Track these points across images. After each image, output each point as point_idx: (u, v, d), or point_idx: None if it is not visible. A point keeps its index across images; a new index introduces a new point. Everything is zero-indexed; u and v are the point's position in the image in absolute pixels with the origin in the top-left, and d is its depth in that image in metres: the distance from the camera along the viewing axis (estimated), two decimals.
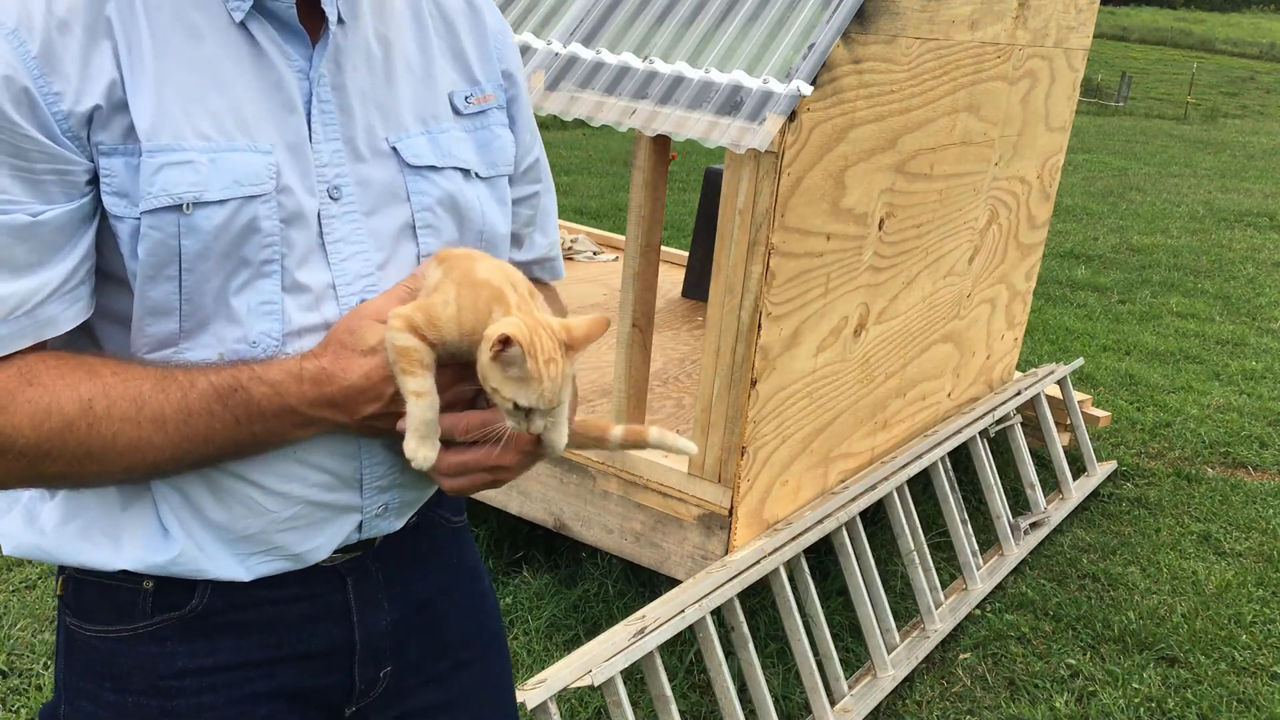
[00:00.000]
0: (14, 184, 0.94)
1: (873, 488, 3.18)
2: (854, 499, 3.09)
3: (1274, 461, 4.75)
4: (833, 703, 2.82)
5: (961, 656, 3.19)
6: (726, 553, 2.80)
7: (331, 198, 1.05)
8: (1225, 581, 3.69)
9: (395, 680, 1.25)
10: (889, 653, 3.01)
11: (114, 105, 0.96)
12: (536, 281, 1.30)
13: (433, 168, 1.11)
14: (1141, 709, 3.01)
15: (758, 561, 2.69)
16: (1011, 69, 3.48)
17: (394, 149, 1.09)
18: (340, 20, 1.07)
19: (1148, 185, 11.66)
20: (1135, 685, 3.10)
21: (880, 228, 3.03)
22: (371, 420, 1.05)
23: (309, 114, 1.04)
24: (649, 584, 3.18)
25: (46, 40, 0.93)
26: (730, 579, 2.59)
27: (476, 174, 1.15)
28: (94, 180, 0.97)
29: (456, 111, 1.16)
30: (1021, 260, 4.13)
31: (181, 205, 0.96)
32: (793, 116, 2.51)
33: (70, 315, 0.99)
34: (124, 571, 1.09)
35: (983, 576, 3.48)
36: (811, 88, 2.52)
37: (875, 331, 3.20)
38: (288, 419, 1.02)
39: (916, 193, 3.17)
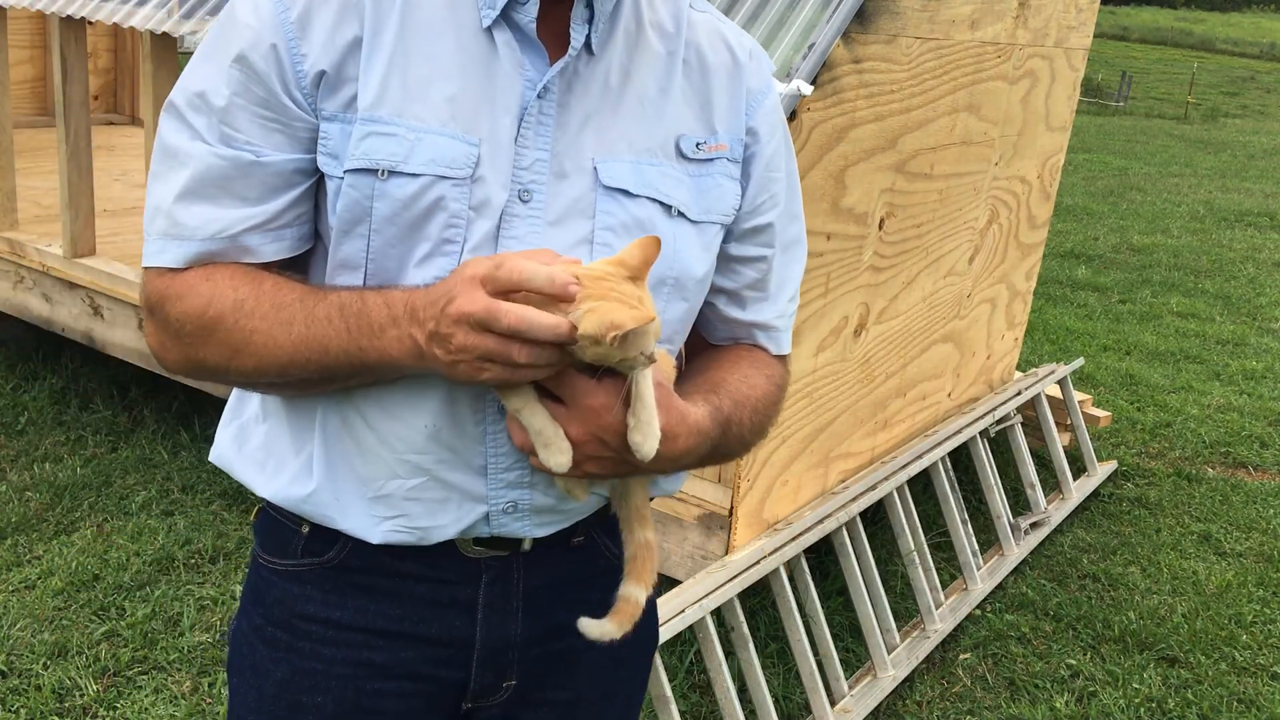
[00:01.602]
0: (252, 127, 1.09)
1: (873, 488, 3.18)
2: (854, 499, 3.09)
3: (1274, 461, 4.75)
4: (833, 703, 2.82)
5: (962, 656, 3.19)
6: (726, 553, 2.80)
7: (521, 200, 1.10)
8: (1225, 581, 3.69)
9: (518, 695, 1.26)
10: (889, 653, 3.01)
11: (341, 77, 1.08)
12: (757, 347, 1.30)
13: (626, 192, 1.13)
14: (1142, 709, 3.01)
15: (758, 561, 2.69)
16: (1012, 69, 3.48)
17: (595, 168, 1.13)
18: (590, 48, 1.13)
19: (1148, 185, 11.66)
20: (1135, 685, 3.10)
21: (880, 227, 3.03)
22: (440, 338, 1.01)
23: (521, 119, 1.10)
24: None
25: (306, 9, 1.08)
26: (730, 579, 2.59)
27: (682, 214, 1.16)
28: (316, 141, 1.10)
29: (682, 155, 1.18)
30: (1022, 260, 4.13)
31: (378, 170, 1.07)
32: (793, 116, 2.51)
33: (271, 250, 1.12)
34: (284, 511, 1.21)
35: (983, 576, 3.48)
36: (811, 87, 2.52)
37: (875, 331, 3.20)
38: (390, 331, 1.04)
39: (917, 192, 3.17)
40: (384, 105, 1.08)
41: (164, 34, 3.44)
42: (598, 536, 1.27)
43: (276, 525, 1.23)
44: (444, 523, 1.15)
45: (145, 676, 2.80)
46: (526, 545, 1.21)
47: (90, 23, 3.67)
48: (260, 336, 1.08)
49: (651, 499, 1.31)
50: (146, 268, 1.13)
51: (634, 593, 1.18)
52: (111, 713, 2.67)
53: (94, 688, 2.73)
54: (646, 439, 1.05)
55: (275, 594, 1.23)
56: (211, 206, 1.09)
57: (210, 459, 1.27)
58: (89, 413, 4.15)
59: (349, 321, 1.06)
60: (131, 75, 6.58)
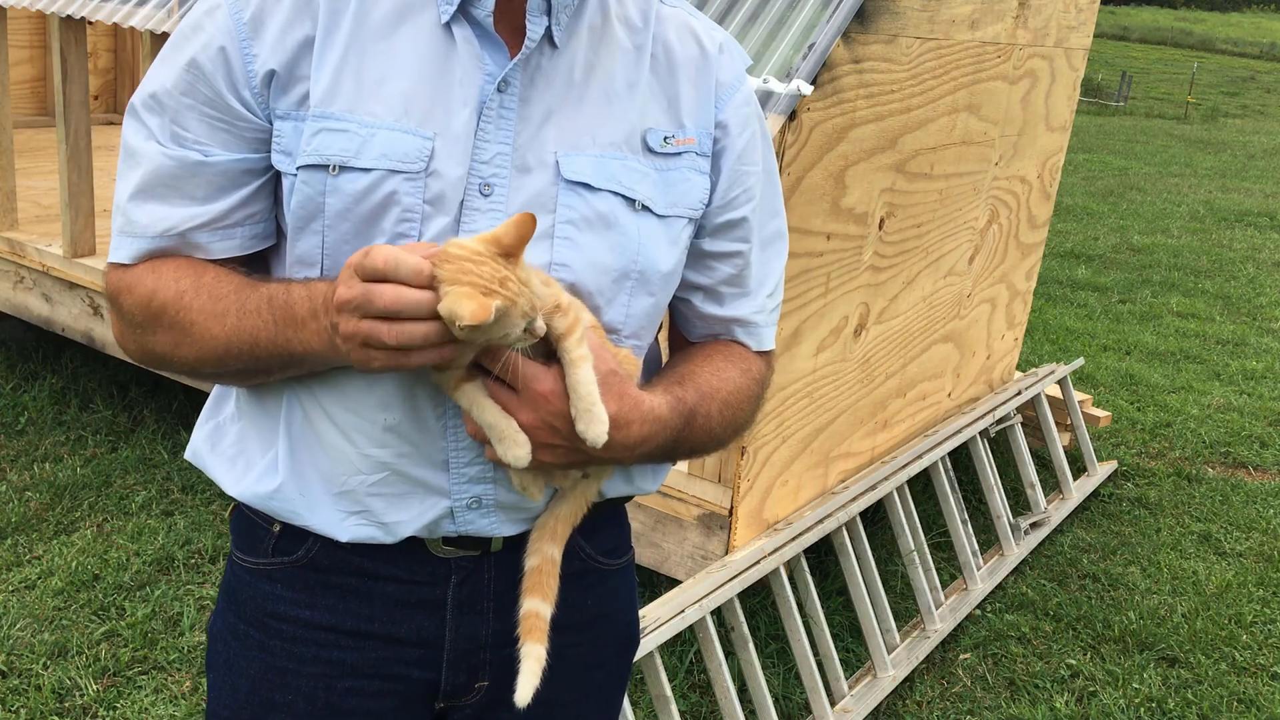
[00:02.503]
0: (200, 126, 1.11)
1: (873, 488, 3.18)
2: (854, 499, 3.09)
3: (1274, 461, 4.75)
4: (833, 703, 2.82)
5: (962, 656, 3.19)
6: (726, 553, 2.80)
7: (482, 193, 1.10)
8: (1225, 581, 3.69)
9: (491, 696, 1.25)
10: (889, 653, 3.01)
11: (293, 76, 1.09)
12: (736, 343, 1.28)
13: (588, 186, 1.12)
14: (1142, 709, 3.01)
15: (758, 561, 2.69)
16: (1012, 68, 3.48)
17: (557, 162, 1.12)
18: (552, 41, 1.13)
19: (1148, 185, 11.66)
20: (1135, 685, 3.10)
21: (880, 227, 3.03)
22: (333, 327, 1.02)
23: (480, 112, 1.10)
24: (649, 584, 3.18)
25: (259, 9, 1.10)
26: (730, 579, 2.59)
27: (648, 208, 1.15)
28: (265, 142, 1.11)
29: (649, 149, 1.17)
30: (1022, 260, 4.13)
31: (329, 166, 1.07)
32: (793, 116, 2.51)
33: (221, 247, 1.14)
34: (255, 509, 1.22)
35: (983, 576, 3.48)
36: (812, 87, 2.52)
37: (875, 331, 3.20)
38: (310, 324, 1.05)
39: (917, 192, 3.17)
40: (336, 102, 1.08)
41: (164, 34, 3.44)
42: (575, 538, 1.25)
43: (249, 524, 1.24)
44: (407, 517, 1.15)
45: (145, 676, 2.80)
46: (497, 545, 1.20)
47: (90, 23, 3.68)
48: (198, 328, 1.10)
49: (630, 498, 1.30)
50: (108, 263, 1.18)
51: (539, 608, 1.16)
52: (111, 713, 2.67)
53: (94, 688, 2.73)
54: (590, 425, 1.04)
55: (248, 592, 1.24)
56: (161, 205, 1.12)
57: (186, 456, 1.28)
58: (89, 413, 4.15)
59: (275, 314, 1.07)
60: (131, 75, 6.58)
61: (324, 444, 1.15)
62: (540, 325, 1.02)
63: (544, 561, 1.17)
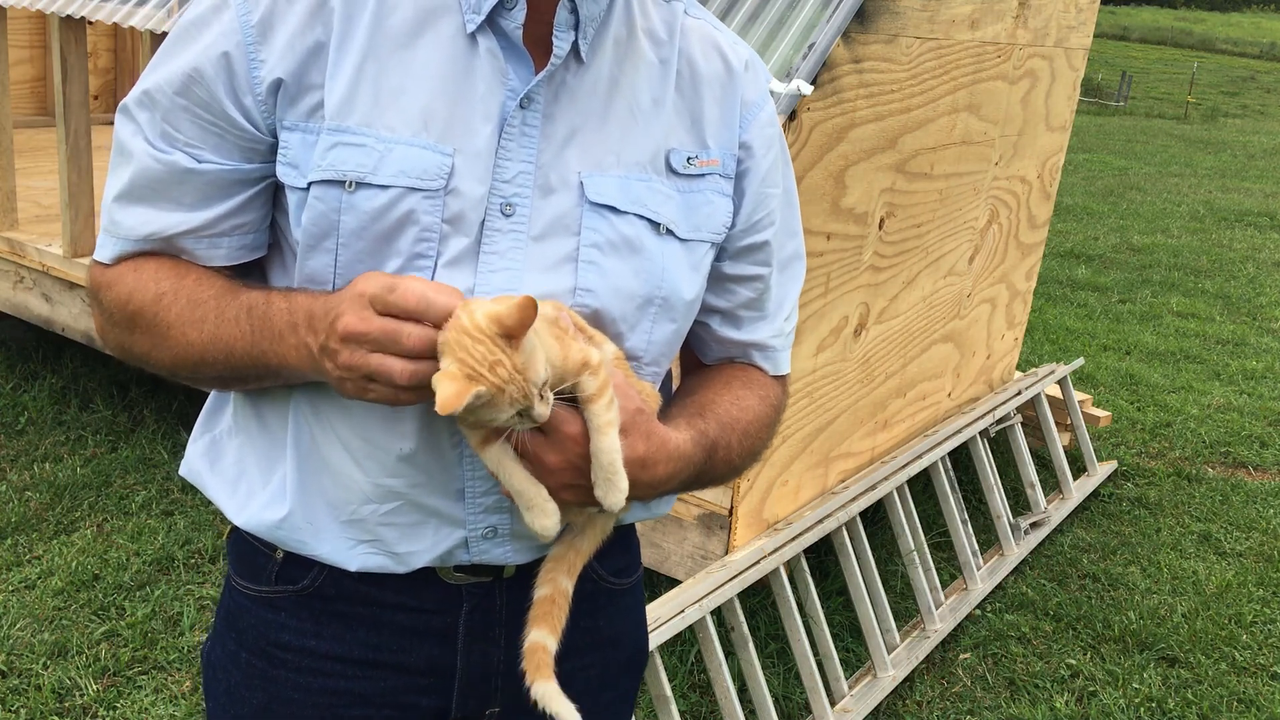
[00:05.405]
0: (193, 129, 1.06)
1: (873, 488, 3.18)
2: (854, 499, 3.09)
3: (1274, 461, 4.75)
4: (833, 703, 2.82)
5: (961, 656, 3.19)
6: (726, 553, 2.80)
7: (504, 213, 1.06)
8: (1225, 581, 3.69)
9: None
10: (889, 653, 3.01)
11: (303, 85, 1.04)
12: (753, 366, 1.26)
13: (613, 209, 1.09)
14: (1142, 709, 3.01)
15: (758, 561, 2.69)
16: (1012, 68, 3.48)
17: (581, 183, 1.08)
18: (579, 57, 1.09)
19: (1148, 185, 11.66)
20: (1135, 685, 3.10)
21: (880, 227, 3.03)
22: (328, 352, 0.99)
23: (502, 129, 1.06)
24: (649, 584, 3.18)
25: (269, 12, 1.04)
26: (730, 579, 2.59)
27: (671, 231, 1.12)
28: (265, 152, 1.07)
29: (672, 170, 1.13)
30: (1022, 260, 4.13)
31: (345, 182, 1.03)
32: (793, 116, 2.51)
33: (207, 256, 1.10)
34: (256, 536, 1.17)
35: (983, 576, 3.48)
36: (812, 87, 2.52)
37: (875, 331, 3.20)
38: (289, 338, 1.02)
39: (916, 192, 3.17)
40: (352, 114, 1.03)
41: (164, 34, 3.44)
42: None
43: (249, 549, 1.20)
44: (420, 548, 1.12)
45: (145, 676, 2.80)
46: (510, 572, 1.18)
47: (90, 22, 3.68)
48: (175, 332, 1.07)
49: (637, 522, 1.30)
50: (91, 259, 1.15)
51: (545, 640, 1.11)
52: (111, 713, 2.67)
53: (94, 688, 2.73)
54: (609, 493, 1.02)
55: (249, 620, 1.20)
56: (147, 209, 1.09)
57: (181, 473, 1.23)
58: (89, 413, 4.15)
59: (254, 324, 1.04)
60: (131, 75, 6.58)
61: (332, 471, 1.11)
62: (540, 413, 0.98)
63: (555, 592, 1.13)
